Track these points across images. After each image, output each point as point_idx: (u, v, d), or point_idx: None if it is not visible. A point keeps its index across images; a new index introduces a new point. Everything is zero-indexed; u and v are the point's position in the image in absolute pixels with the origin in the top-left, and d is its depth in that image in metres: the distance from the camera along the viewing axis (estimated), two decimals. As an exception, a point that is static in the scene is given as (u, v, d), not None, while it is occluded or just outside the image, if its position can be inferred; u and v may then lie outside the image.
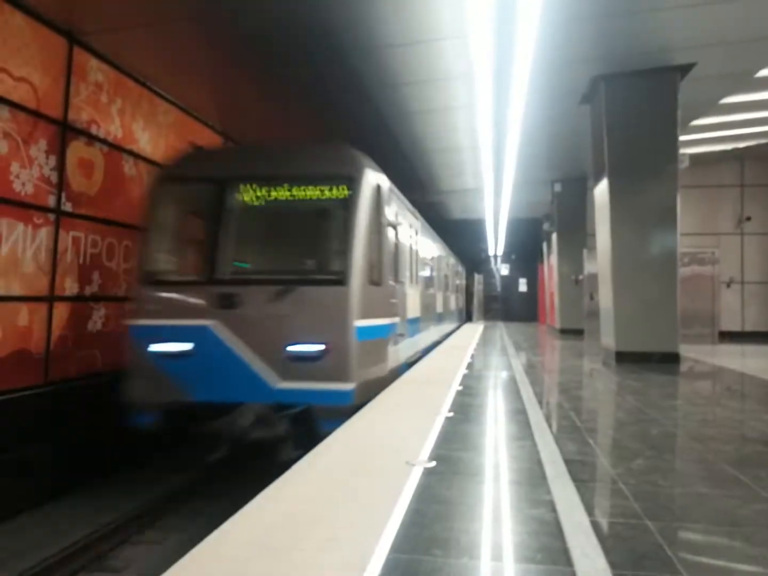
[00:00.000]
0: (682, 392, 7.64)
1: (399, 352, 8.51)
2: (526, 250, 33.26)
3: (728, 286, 18.67)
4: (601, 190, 10.85)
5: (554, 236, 20.84)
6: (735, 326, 18.46)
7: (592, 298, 16.61)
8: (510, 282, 37.61)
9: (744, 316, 18.80)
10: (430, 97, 11.36)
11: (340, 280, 6.16)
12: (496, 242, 32.80)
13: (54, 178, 7.33)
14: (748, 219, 18.69)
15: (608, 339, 10.86)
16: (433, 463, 3.76)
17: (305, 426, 5.89)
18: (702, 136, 14.60)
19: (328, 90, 10.16)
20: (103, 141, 8.29)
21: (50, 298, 7.31)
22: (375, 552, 2.43)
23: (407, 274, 9.56)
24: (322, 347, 5.96)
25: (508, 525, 2.80)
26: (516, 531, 2.72)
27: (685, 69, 9.79)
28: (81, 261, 7.84)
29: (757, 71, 10.07)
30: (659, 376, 8.75)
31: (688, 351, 11.69)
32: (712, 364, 10.83)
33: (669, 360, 10.07)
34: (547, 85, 10.35)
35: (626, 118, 10.32)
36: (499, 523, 2.82)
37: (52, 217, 7.30)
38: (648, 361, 9.96)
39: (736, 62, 9.71)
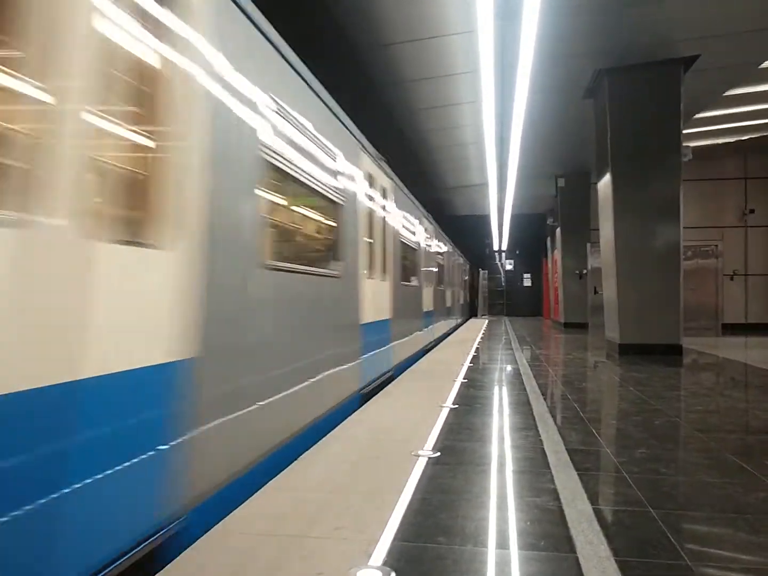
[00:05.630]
0: (686, 383, 7.65)
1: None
2: (530, 245, 33.27)
3: (731, 278, 18.64)
4: (605, 183, 10.85)
5: (558, 231, 20.83)
6: (738, 318, 18.45)
7: (596, 292, 16.63)
8: (514, 277, 37.57)
9: (747, 308, 18.77)
10: (435, 93, 11.37)
11: None
12: (500, 238, 32.79)
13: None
14: (752, 212, 18.65)
15: (612, 332, 10.88)
16: (438, 454, 3.80)
17: None
18: (705, 129, 14.56)
19: (335, 85, 10.19)
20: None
21: None
22: (381, 539, 2.47)
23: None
24: None
25: (512, 513, 2.83)
26: (520, 519, 2.75)
27: (688, 61, 9.76)
28: None
29: (762, 62, 10.02)
30: (663, 368, 8.76)
31: (691, 343, 11.68)
32: (715, 356, 10.83)
33: (672, 352, 10.09)
34: (550, 79, 10.35)
35: (629, 111, 10.31)
36: (503, 511, 2.84)
37: None
38: (651, 354, 9.98)
39: (741, 53, 9.66)
